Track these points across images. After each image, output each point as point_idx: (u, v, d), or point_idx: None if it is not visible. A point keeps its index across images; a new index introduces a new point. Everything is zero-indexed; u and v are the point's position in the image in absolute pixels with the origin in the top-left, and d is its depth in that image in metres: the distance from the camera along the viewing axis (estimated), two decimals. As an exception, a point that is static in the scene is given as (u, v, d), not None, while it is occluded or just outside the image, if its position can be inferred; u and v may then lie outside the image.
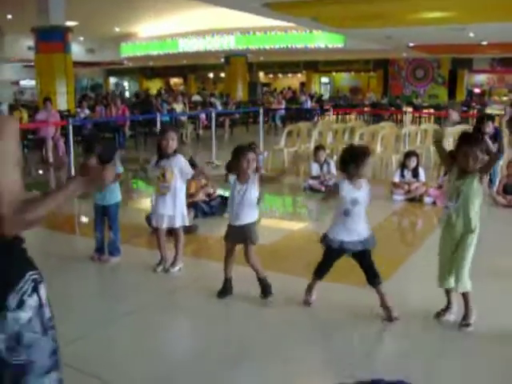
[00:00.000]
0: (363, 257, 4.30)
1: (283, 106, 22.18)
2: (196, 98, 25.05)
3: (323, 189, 9.18)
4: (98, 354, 3.82)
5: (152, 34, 26.12)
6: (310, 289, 4.56)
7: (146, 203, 7.67)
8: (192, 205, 7.15)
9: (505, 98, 28.08)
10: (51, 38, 15.27)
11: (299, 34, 23.35)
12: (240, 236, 4.63)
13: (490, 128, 8.88)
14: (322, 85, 36.81)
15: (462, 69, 29.84)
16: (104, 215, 5.65)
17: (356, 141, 10.93)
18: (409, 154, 8.86)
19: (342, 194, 4.20)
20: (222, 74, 34.84)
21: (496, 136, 9.03)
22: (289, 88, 31.03)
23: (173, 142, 5.16)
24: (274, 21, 20.26)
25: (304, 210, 9.04)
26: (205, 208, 7.44)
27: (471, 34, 18.05)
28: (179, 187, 5.25)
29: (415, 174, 8.77)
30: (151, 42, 26.76)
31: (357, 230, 4.25)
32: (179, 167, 5.18)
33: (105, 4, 17.99)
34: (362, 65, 32.67)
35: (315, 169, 9.46)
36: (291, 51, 25.08)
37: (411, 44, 21.92)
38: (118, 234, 5.70)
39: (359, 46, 23.33)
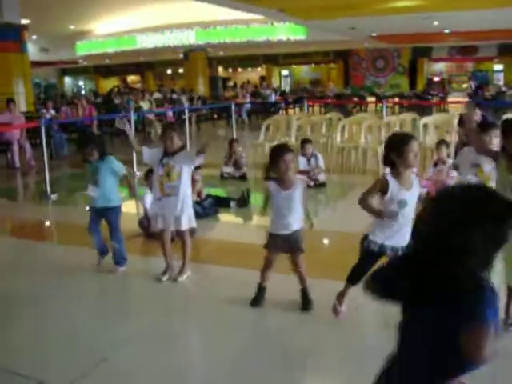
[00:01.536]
0: None
1: (248, 100, 21.85)
2: (157, 95, 24.48)
3: (312, 183, 8.94)
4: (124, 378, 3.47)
5: (108, 30, 25.41)
6: (341, 296, 4.21)
7: (131, 206, 7.29)
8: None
9: (464, 86, 28.46)
10: (6, 37, 14.63)
11: (261, 27, 23.07)
12: (287, 245, 4.31)
13: (477, 116, 8.78)
14: (282, 78, 36.60)
15: (421, 58, 30.11)
16: (100, 220, 5.28)
17: (338, 133, 10.74)
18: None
19: (387, 193, 3.73)
20: (181, 70, 34.42)
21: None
22: (248, 82, 30.69)
23: (176, 140, 4.83)
24: (234, 14, 19.99)
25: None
26: (198, 209, 7.07)
27: (435, 23, 18.13)
28: (185, 186, 4.90)
29: (407, 164, 8.58)
30: (108, 40, 26.07)
31: (402, 234, 3.81)
32: (185, 163, 4.84)
33: (58, 1, 17.32)
34: (322, 56, 32.59)
35: (303, 163, 9.19)
36: (253, 44, 24.82)
37: (374, 34, 21.90)
38: (122, 242, 5.31)
39: (321, 38, 23.22)
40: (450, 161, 8.49)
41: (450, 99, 24.55)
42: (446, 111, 22.72)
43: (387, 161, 3.78)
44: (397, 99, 23.10)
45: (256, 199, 8.17)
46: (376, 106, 25.79)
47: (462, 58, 29.49)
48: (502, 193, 3.67)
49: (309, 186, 8.86)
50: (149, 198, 6.43)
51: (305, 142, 9.36)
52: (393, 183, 3.71)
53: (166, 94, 24.11)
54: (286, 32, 23.23)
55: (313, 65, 35.44)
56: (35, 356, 3.72)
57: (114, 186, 5.21)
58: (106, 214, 5.22)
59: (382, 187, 3.76)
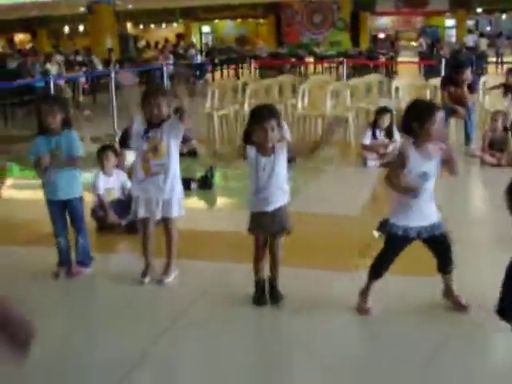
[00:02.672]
0: (437, 242, 3.97)
1: (171, 62, 21.36)
2: (58, 57, 23.52)
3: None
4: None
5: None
6: (365, 293, 4.15)
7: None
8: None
9: (414, 44, 29.02)
10: None
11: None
12: (273, 224, 4.15)
13: (467, 75, 8.92)
14: (203, 35, 36.15)
15: (364, 11, 30.39)
16: (65, 216, 4.89)
17: (299, 99, 10.64)
18: (381, 112, 8.68)
19: (408, 166, 3.76)
20: (82, 27, 33.31)
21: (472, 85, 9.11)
22: (166, 41, 30.07)
23: (163, 107, 4.52)
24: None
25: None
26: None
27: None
28: (175, 163, 4.63)
29: (389, 133, 8.61)
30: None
31: (426, 213, 3.89)
32: (173, 134, 4.53)
33: None
34: (249, 10, 32.28)
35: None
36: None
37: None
38: (87, 237, 4.97)
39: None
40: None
41: (399, 59, 25.05)
42: (395, 73, 23.17)
43: (407, 129, 3.86)
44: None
45: (220, 179, 8.00)
46: (315, 66, 26.00)
47: (410, 12, 29.99)
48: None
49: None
50: (101, 182, 6.13)
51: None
52: (414, 154, 3.77)
53: (69, 56, 23.24)
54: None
55: (239, 20, 35.12)
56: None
57: (76, 169, 4.84)
58: (70, 205, 4.83)
59: (402, 160, 3.80)
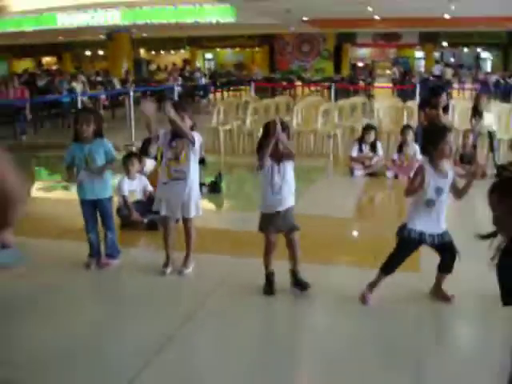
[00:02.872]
0: (446, 248, 3.97)
1: (179, 83, 21.26)
2: (81, 78, 23.37)
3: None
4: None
5: (27, 7, 23.88)
6: (373, 286, 4.09)
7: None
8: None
9: (388, 72, 29.05)
10: None
11: (189, 8, 22.46)
12: (284, 222, 4.14)
13: (443, 99, 8.86)
14: (206, 61, 36.05)
15: (346, 43, 30.42)
16: (95, 214, 4.79)
17: (294, 117, 10.56)
18: (367, 128, 8.62)
19: (426, 181, 3.81)
20: (101, 52, 33.12)
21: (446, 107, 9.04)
22: (174, 64, 30.00)
23: (186, 120, 4.46)
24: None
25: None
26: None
27: (369, 8, 18.31)
28: (193, 169, 4.56)
29: (373, 147, 8.56)
30: (25, 17, 24.51)
31: (438, 221, 3.92)
32: (195, 146, 4.47)
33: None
34: (247, 40, 32.27)
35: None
36: (181, 27, 24.13)
37: (306, 18, 21.86)
38: (115, 233, 4.87)
39: (249, 21, 22.97)
40: (415, 145, 8.51)
41: (376, 84, 25.07)
42: (372, 96, 23.15)
43: (424, 151, 4.00)
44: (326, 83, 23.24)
45: (227, 184, 7.90)
46: (303, 89, 26.00)
47: (385, 44, 30.05)
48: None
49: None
50: (126, 185, 6.04)
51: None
52: (430, 172, 3.84)
53: (91, 77, 23.09)
54: (215, 14, 22.76)
55: (237, 48, 35.07)
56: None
57: (108, 173, 4.75)
58: (101, 205, 4.74)
59: (422, 175, 3.86)
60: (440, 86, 9.96)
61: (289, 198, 4.15)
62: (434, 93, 8.94)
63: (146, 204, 6.13)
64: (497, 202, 2.62)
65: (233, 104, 11.79)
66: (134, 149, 10.23)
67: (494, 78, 21.59)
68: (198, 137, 4.51)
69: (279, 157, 4.05)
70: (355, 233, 6.19)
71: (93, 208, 4.75)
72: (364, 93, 22.76)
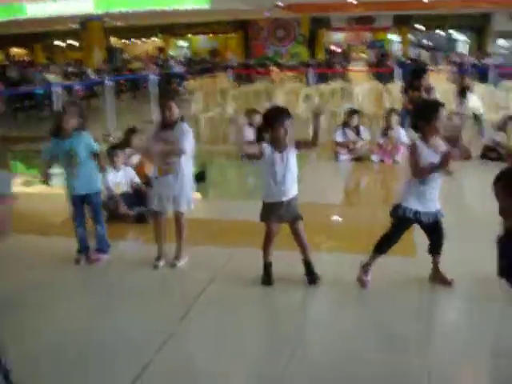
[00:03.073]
0: (435, 227, 3.96)
1: (157, 72, 20.96)
2: (54, 68, 22.94)
3: (260, 155, 8.64)
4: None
5: (-5, -3, 23.32)
6: (367, 266, 4.07)
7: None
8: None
9: (363, 55, 29.01)
10: None
11: (163, -5, 22.13)
12: (288, 212, 4.05)
13: (426, 81, 8.86)
14: (179, 48, 35.64)
15: (320, 27, 30.27)
16: (84, 209, 4.66)
17: (276, 102, 10.45)
18: (351, 112, 8.57)
19: (421, 158, 3.75)
20: (71, 41, 32.52)
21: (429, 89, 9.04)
22: (147, 53, 29.59)
23: (174, 109, 4.33)
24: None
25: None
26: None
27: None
28: (185, 163, 4.44)
29: (357, 132, 8.51)
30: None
31: (433, 200, 3.88)
32: (182, 136, 4.34)
33: None
34: (221, 26, 31.90)
35: (251, 134, 8.81)
36: (156, 14, 23.76)
37: (280, 3, 21.67)
38: (104, 227, 4.75)
39: (224, 7, 22.73)
40: (399, 129, 8.50)
41: (352, 67, 24.99)
42: (347, 79, 23.10)
43: (416, 127, 3.88)
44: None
45: (212, 173, 7.79)
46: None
47: (359, 28, 29.96)
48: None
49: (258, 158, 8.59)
50: (112, 177, 5.91)
51: (251, 112, 8.97)
52: (422, 148, 3.78)
53: (63, 68, 22.70)
54: (191, 1, 22.48)
55: (211, 35, 34.69)
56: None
57: (94, 166, 4.60)
58: (90, 199, 4.63)
59: (417, 154, 3.79)
60: (422, 68, 9.90)
61: (292, 188, 4.04)
62: (416, 75, 8.94)
63: (133, 196, 6.04)
64: (502, 195, 2.58)
65: (212, 91, 11.65)
66: (112, 139, 10.08)
67: (470, 60, 21.67)
68: (187, 129, 4.39)
69: (281, 145, 3.94)
70: (345, 218, 6.12)
71: (81, 203, 4.64)
72: (340, 77, 22.74)
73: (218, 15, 27.26)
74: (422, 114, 3.85)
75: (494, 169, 2.96)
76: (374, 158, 8.28)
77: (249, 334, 3.56)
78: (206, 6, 22.57)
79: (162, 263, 4.55)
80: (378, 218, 5.72)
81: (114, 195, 5.81)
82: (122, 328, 3.61)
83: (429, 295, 3.99)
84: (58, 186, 5.09)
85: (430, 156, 3.75)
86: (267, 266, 4.21)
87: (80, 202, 4.61)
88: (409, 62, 23.12)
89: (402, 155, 8.26)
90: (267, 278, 4.17)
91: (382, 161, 8.25)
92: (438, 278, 4.08)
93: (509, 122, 8.11)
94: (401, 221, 3.91)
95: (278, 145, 3.93)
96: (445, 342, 3.35)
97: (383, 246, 4.00)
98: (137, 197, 6.04)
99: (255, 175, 8.24)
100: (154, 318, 3.72)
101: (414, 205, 3.84)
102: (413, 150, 3.80)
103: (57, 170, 4.83)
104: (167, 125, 4.36)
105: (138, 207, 5.90)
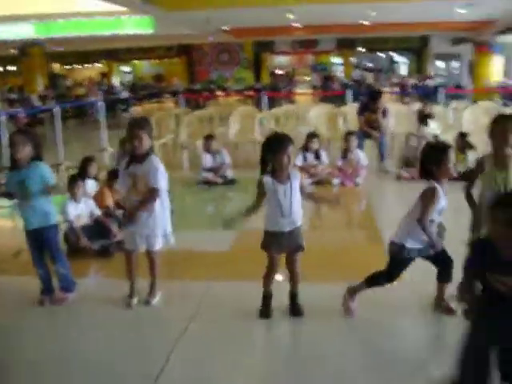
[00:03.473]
0: (440, 257, 3.81)
1: (101, 98, 20.57)
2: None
3: (219, 181, 8.48)
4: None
5: None
6: (352, 293, 3.95)
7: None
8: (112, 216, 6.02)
9: (307, 78, 29.41)
10: None
11: (106, 20, 21.78)
12: (290, 243, 3.85)
13: (382, 103, 8.93)
14: (123, 74, 35.22)
15: (264, 51, 30.54)
16: (41, 245, 4.31)
17: (230, 127, 10.34)
18: (310, 136, 8.51)
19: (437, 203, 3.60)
20: (11, 67, 31.64)
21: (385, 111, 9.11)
22: (90, 79, 29.10)
23: (145, 140, 4.06)
24: (76, 6, 18.60)
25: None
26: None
27: (291, 16, 18.34)
28: (160, 197, 4.18)
29: (317, 156, 8.46)
30: None
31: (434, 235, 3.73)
32: (154, 173, 4.08)
33: None
34: (165, 51, 31.73)
35: (208, 160, 8.66)
36: (98, 39, 23.38)
37: (226, 28, 21.69)
38: (66, 264, 4.42)
39: (168, 32, 22.59)
40: (358, 151, 8.50)
41: (297, 91, 25.30)
42: (293, 102, 23.29)
43: (426, 173, 3.68)
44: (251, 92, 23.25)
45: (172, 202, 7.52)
46: (226, 99, 25.84)
47: (303, 51, 30.37)
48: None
49: (216, 184, 8.43)
50: (72, 209, 5.60)
51: (210, 137, 8.81)
52: (440, 193, 3.62)
53: (5, 94, 22.03)
54: (133, 26, 22.19)
55: (155, 60, 34.45)
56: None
57: (49, 198, 4.26)
58: (43, 234, 4.26)
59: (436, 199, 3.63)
60: (378, 91, 9.99)
61: (298, 217, 3.85)
62: (372, 97, 8.99)
63: (94, 229, 5.74)
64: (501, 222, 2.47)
65: (164, 117, 11.42)
66: (63, 168, 9.72)
67: (411, 82, 22.26)
68: (157, 164, 4.10)
69: (285, 174, 3.75)
70: (313, 244, 5.94)
71: (37, 239, 4.29)
72: (288, 100, 22.89)
73: (162, 40, 27.08)
74: (431, 157, 3.65)
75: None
76: (335, 181, 8.22)
77: (239, 375, 3.34)
78: (149, 30, 22.39)
79: (135, 301, 4.27)
80: (344, 241, 5.68)
81: (74, 228, 5.50)
82: (95, 380, 3.33)
83: (419, 321, 3.88)
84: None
85: (443, 200, 3.64)
86: (267, 298, 4.00)
87: (35, 238, 4.26)
88: (352, 83, 23.56)
89: (363, 178, 8.27)
90: (265, 310, 3.97)
91: (342, 184, 8.20)
92: (441, 306, 3.94)
93: (459, 140, 8.16)
94: (404, 261, 3.76)
95: (282, 174, 3.74)
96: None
97: (379, 281, 3.85)
98: (98, 229, 5.75)
99: (214, 202, 8.09)
100: (132, 363, 3.45)
101: (417, 244, 3.70)
102: (434, 193, 3.61)
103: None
104: (136, 157, 4.09)
105: (100, 240, 5.61)
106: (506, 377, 2.73)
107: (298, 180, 3.81)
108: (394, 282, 3.87)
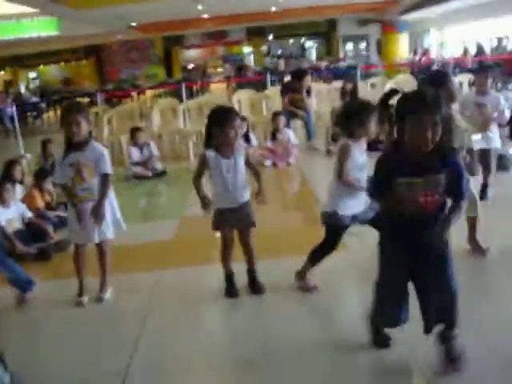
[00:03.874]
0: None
1: (10, 105, 19.64)
2: None
3: (149, 174, 8.26)
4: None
5: None
6: (303, 275, 3.89)
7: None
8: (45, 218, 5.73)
9: (220, 70, 29.29)
10: None
11: (7, 23, 20.81)
12: (239, 219, 3.75)
13: (308, 82, 8.97)
14: (30, 80, 33.85)
15: (175, 46, 30.16)
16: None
17: (153, 119, 10.11)
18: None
19: (352, 159, 3.50)
20: None
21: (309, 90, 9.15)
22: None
23: (84, 125, 3.81)
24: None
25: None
26: (55, 220, 5.97)
27: (200, 7, 18.17)
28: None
29: (247, 139, 8.38)
30: None
31: (361, 198, 3.60)
32: (101, 158, 3.86)
33: None
34: (72, 54, 30.71)
35: (136, 154, 8.41)
36: (1, 45, 22.32)
37: (135, 24, 21.23)
38: (12, 266, 4.13)
39: (74, 32, 21.90)
40: (287, 130, 8.51)
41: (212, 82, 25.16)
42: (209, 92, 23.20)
43: (345, 127, 3.57)
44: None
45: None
46: (138, 95, 25.36)
47: (213, 43, 30.21)
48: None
49: (147, 177, 8.21)
50: (2, 214, 5.28)
51: (136, 130, 8.58)
52: (354, 149, 3.52)
53: None
54: (37, 28, 21.32)
55: (63, 64, 33.30)
56: None
57: None
58: None
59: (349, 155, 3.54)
60: (303, 70, 10.02)
61: (244, 193, 3.74)
62: (297, 77, 9.01)
63: (27, 232, 5.44)
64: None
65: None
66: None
67: (323, 64, 22.65)
68: (101, 148, 3.94)
69: (231, 149, 3.62)
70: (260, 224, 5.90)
71: None
72: (204, 91, 22.72)
73: (68, 42, 26.19)
74: (353, 113, 3.52)
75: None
76: (267, 162, 8.18)
77: (209, 359, 3.21)
78: (54, 32, 21.57)
79: (86, 299, 4.04)
80: (285, 221, 5.63)
81: (7, 233, 5.17)
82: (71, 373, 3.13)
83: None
84: None
85: (359, 155, 3.53)
86: (229, 277, 3.90)
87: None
88: (264, 71, 23.64)
89: (294, 157, 8.27)
90: (231, 289, 3.88)
91: (274, 165, 8.17)
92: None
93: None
94: (338, 228, 3.65)
95: (227, 149, 3.62)
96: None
97: (321, 255, 3.77)
98: (32, 232, 5.45)
99: (149, 195, 7.86)
100: (96, 363, 3.25)
101: (350, 210, 3.58)
102: (344, 150, 3.51)
103: None
104: (76, 144, 3.85)
105: (35, 243, 5.31)
106: (420, 290, 2.81)
107: (242, 155, 3.70)
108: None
